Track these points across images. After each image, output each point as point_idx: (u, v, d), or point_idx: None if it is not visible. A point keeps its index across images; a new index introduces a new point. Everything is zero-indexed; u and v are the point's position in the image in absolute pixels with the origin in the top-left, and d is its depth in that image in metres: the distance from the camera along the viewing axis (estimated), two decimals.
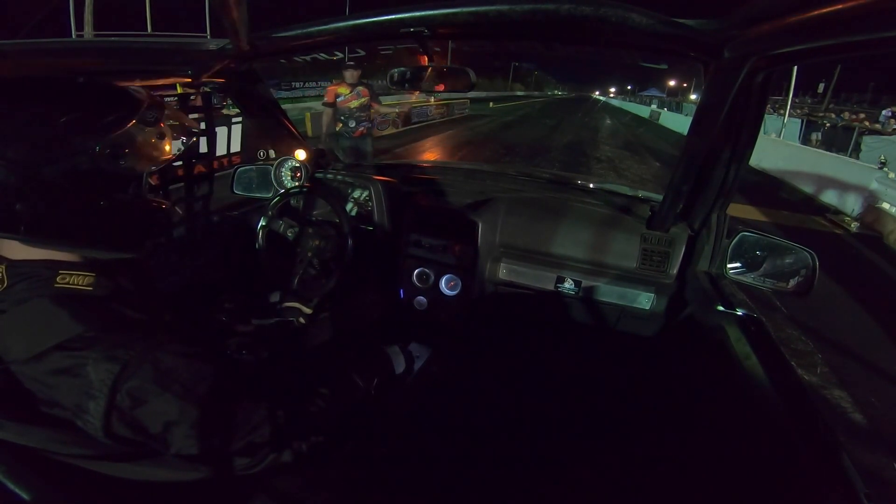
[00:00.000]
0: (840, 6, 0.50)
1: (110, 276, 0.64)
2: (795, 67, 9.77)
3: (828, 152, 8.69)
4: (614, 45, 0.90)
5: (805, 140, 11.08)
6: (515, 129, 15.89)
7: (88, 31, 9.08)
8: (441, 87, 1.07)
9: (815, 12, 0.54)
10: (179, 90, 1.18)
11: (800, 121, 12.12)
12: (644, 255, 1.30)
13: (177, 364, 0.61)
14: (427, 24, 0.84)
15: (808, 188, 7.86)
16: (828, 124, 11.04)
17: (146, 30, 10.03)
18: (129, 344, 0.58)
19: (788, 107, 11.69)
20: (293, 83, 17.69)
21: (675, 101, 29.35)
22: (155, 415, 0.59)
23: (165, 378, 0.59)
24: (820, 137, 10.96)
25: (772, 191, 7.95)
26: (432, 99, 16.32)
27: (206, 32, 9.76)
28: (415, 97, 16.17)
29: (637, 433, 1.22)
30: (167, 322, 0.67)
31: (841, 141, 9.86)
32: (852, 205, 6.44)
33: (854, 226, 5.97)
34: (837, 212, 6.54)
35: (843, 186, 6.84)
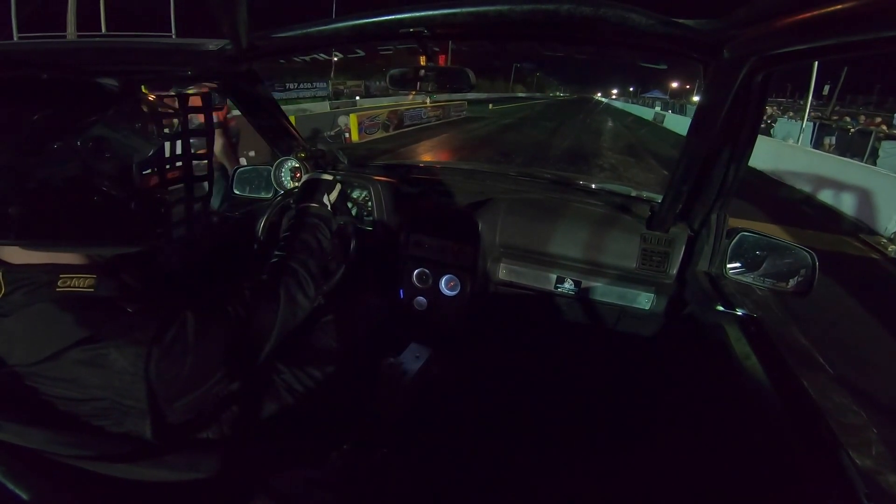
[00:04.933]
0: (840, 6, 0.50)
1: (113, 276, 0.64)
2: (815, 67, 9.26)
3: (853, 161, 7.96)
4: (614, 46, 0.90)
5: (817, 144, 10.46)
6: (514, 133, 15.23)
7: (71, 32, 9.01)
8: (440, 89, 1.06)
9: (815, 12, 0.54)
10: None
11: (811, 124, 11.45)
12: (644, 256, 1.30)
13: (188, 331, 0.64)
14: (427, 25, 0.84)
15: (834, 202, 7.09)
16: (851, 130, 10.26)
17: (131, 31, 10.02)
18: (144, 326, 0.61)
19: (808, 110, 10.96)
20: (287, 84, 17.48)
21: (678, 103, 28.34)
22: (189, 380, 0.64)
23: (187, 341, 0.63)
24: (833, 142, 10.36)
25: (794, 205, 7.23)
26: (428, 101, 15.96)
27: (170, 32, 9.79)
28: (410, 98, 15.90)
29: (637, 433, 1.22)
30: (170, 300, 0.68)
31: (856, 146, 9.33)
32: (885, 223, 5.71)
33: (892, 249, 5.16)
34: (872, 232, 5.75)
35: (874, 201, 6.14)
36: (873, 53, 0.58)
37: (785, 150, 9.49)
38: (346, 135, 10.75)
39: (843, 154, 8.97)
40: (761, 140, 10.52)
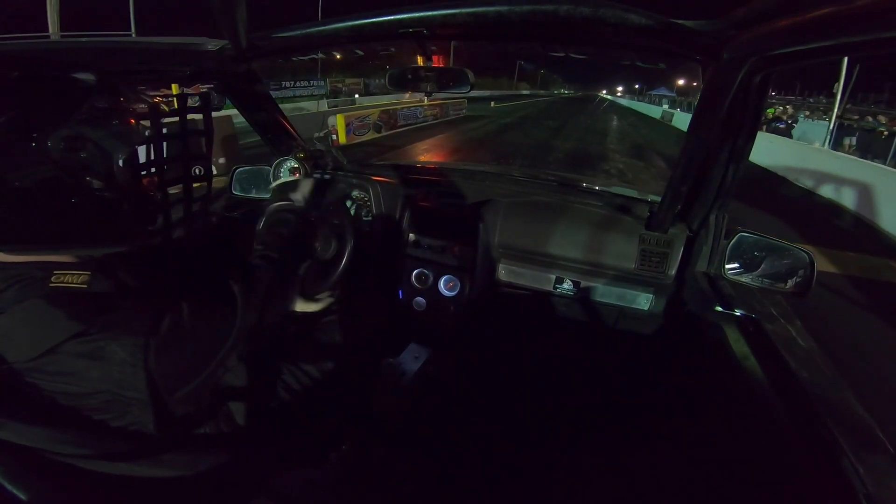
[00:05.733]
0: (839, 7, 0.50)
1: (107, 273, 0.64)
2: (845, 63, 8.74)
3: (888, 167, 7.03)
4: (613, 46, 0.90)
5: (836, 145, 9.64)
6: (514, 133, 14.25)
7: (55, 32, 8.90)
8: (440, 89, 1.06)
9: (814, 13, 0.54)
10: (176, 90, 1.17)
11: (829, 124, 10.36)
12: (643, 256, 1.30)
13: (183, 320, 0.65)
14: (426, 25, 0.84)
15: (871, 216, 6.16)
16: (885, 133, 9.17)
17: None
18: (140, 317, 0.61)
19: (836, 111, 9.62)
20: (282, 82, 17.08)
21: (686, 101, 27.33)
22: (188, 368, 0.64)
23: (181, 334, 0.64)
24: (854, 143, 9.69)
25: (826, 219, 6.27)
26: (425, 99, 15.04)
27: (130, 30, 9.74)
28: (407, 97, 15.10)
29: (637, 434, 1.23)
30: (168, 302, 0.68)
31: (878, 147, 8.72)
32: None
33: None
34: None
35: None
36: (873, 54, 0.58)
37: (810, 153, 8.60)
38: (334, 136, 9.99)
39: (864, 156, 8.47)
40: (784, 143, 9.86)
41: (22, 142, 0.58)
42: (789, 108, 14.46)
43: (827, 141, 9.29)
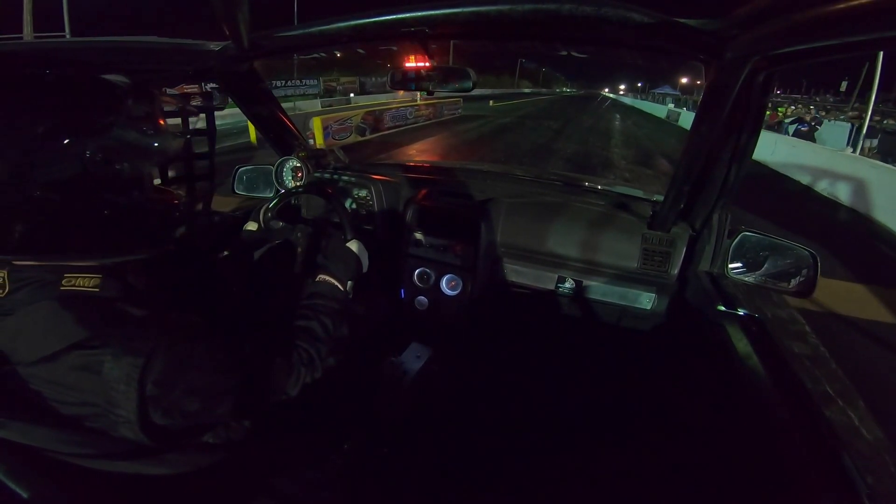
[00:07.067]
0: (841, 6, 0.50)
1: (118, 277, 0.64)
2: (881, 58, 8.03)
3: None
4: (615, 45, 0.90)
5: (854, 148, 8.80)
6: (511, 135, 13.28)
7: (28, 33, 8.85)
8: (441, 87, 1.06)
9: (816, 12, 0.54)
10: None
11: (849, 125, 9.82)
12: (645, 256, 1.29)
13: (193, 346, 0.63)
14: (428, 24, 0.84)
15: None
16: None
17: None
18: (145, 336, 0.59)
19: (870, 111, 8.52)
20: (273, 81, 16.84)
21: (691, 100, 26.25)
22: (187, 394, 0.61)
23: (186, 359, 0.62)
24: (875, 145, 9.03)
25: (870, 247, 5.21)
26: (419, 98, 14.33)
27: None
28: (401, 94, 14.95)
29: (638, 433, 1.23)
30: (177, 314, 0.67)
31: None
32: None
33: None
34: None
35: None
36: (875, 53, 0.58)
37: (840, 160, 7.62)
38: (311, 141, 9.32)
39: (884, 158, 7.71)
40: (809, 148, 9.19)
41: (53, 144, 0.57)
42: (812, 109, 13.80)
43: (859, 147, 8.36)
